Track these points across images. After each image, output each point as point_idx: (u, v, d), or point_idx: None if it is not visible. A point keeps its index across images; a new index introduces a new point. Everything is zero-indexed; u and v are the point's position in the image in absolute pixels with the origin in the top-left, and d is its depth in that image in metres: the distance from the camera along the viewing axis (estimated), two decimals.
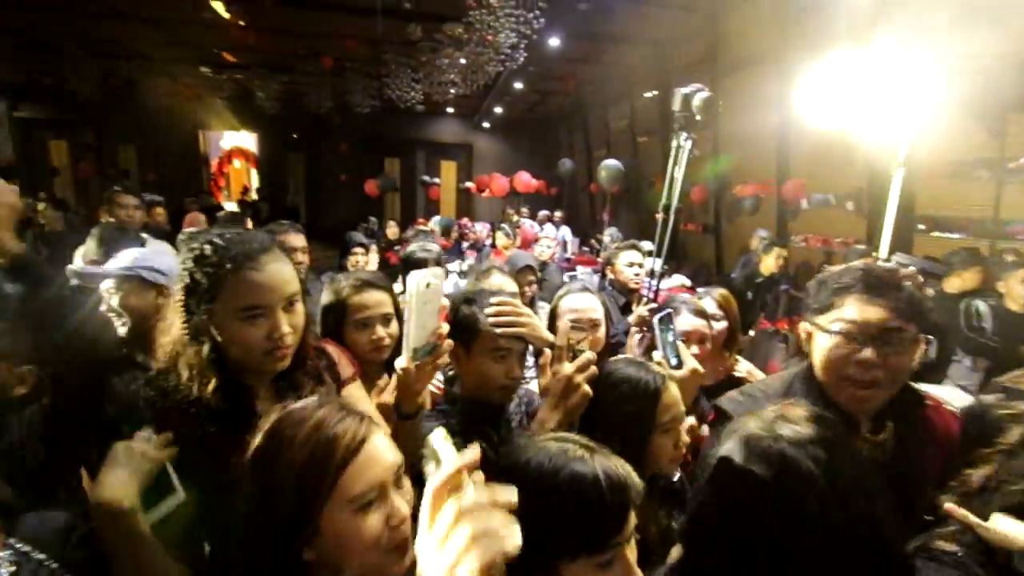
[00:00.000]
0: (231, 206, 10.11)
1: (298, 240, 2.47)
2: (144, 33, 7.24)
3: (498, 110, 10.14)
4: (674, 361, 1.28)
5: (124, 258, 1.35)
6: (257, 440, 0.72)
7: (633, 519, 0.71)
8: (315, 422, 0.70)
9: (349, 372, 1.15)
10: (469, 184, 10.86)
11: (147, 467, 0.84)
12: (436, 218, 6.95)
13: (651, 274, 2.79)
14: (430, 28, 6.11)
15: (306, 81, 8.74)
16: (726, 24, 5.98)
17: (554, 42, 5.69)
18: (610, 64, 7.76)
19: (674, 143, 2.42)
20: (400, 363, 0.94)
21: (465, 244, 6.47)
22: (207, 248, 0.90)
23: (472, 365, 1.17)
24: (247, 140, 12.07)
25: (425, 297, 0.90)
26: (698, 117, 2.39)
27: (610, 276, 2.81)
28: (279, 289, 0.92)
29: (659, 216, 2.67)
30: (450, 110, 11.57)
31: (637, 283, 2.71)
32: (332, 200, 11.52)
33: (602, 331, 1.72)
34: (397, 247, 5.21)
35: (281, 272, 0.93)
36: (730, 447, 0.77)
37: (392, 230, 5.79)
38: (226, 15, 6.08)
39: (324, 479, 0.67)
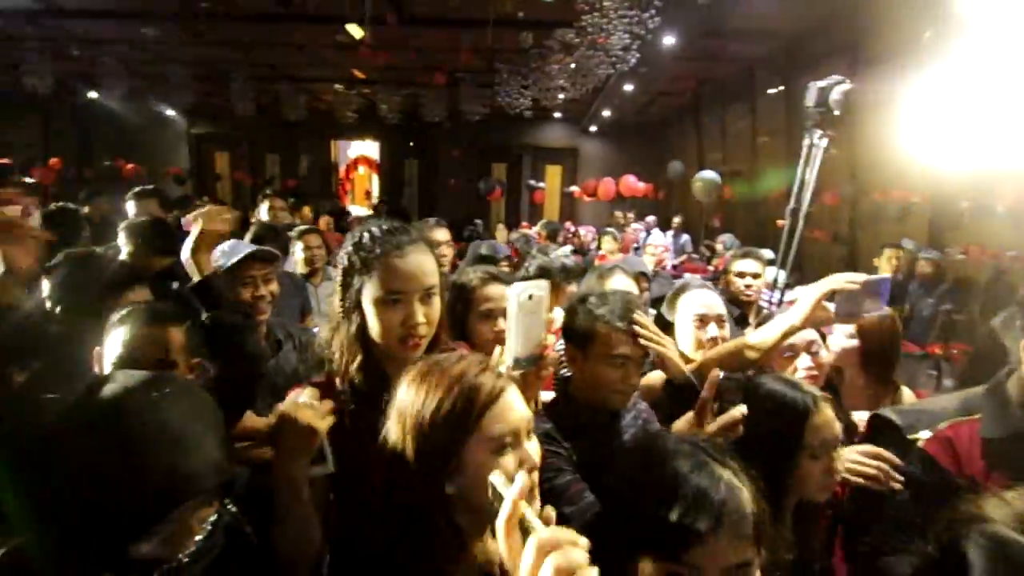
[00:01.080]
0: (356, 209, 11.11)
1: (443, 235, 2.73)
2: (291, 58, 8.21)
3: (606, 113, 10.01)
4: None
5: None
6: (404, 384, 0.79)
7: (726, 549, 0.65)
8: (460, 370, 0.77)
9: None
10: (574, 188, 10.83)
11: (320, 427, 0.89)
12: (543, 221, 7.02)
13: (772, 285, 2.59)
14: (541, 35, 6.21)
15: (424, 93, 9.31)
16: (871, 12, 5.35)
17: (668, 41, 5.48)
18: (729, 61, 7.31)
19: (806, 141, 2.22)
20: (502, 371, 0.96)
21: (570, 248, 6.46)
22: (365, 235, 0.99)
23: (587, 368, 1.15)
24: (371, 149, 13.15)
25: (527, 308, 0.91)
26: (836, 112, 2.17)
27: (725, 285, 2.64)
28: (418, 279, 0.98)
29: (780, 223, 2.47)
30: (557, 115, 11.64)
31: (749, 295, 2.52)
32: (442, 203, 12.15)
33: (728, 329, 1.64)
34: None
35: (423, 264, 0.99)
36: (970, 548, 0.59)
37: (501, 233, 5.94)
38: (358, 37, 6.68)
39: (469, 417, 0.73)
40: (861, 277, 1.24)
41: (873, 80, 5.23)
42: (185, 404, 0.78)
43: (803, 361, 1.48)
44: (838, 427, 1.04)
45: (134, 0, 5.98)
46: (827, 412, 1.02)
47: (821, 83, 2.19)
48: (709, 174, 6.42)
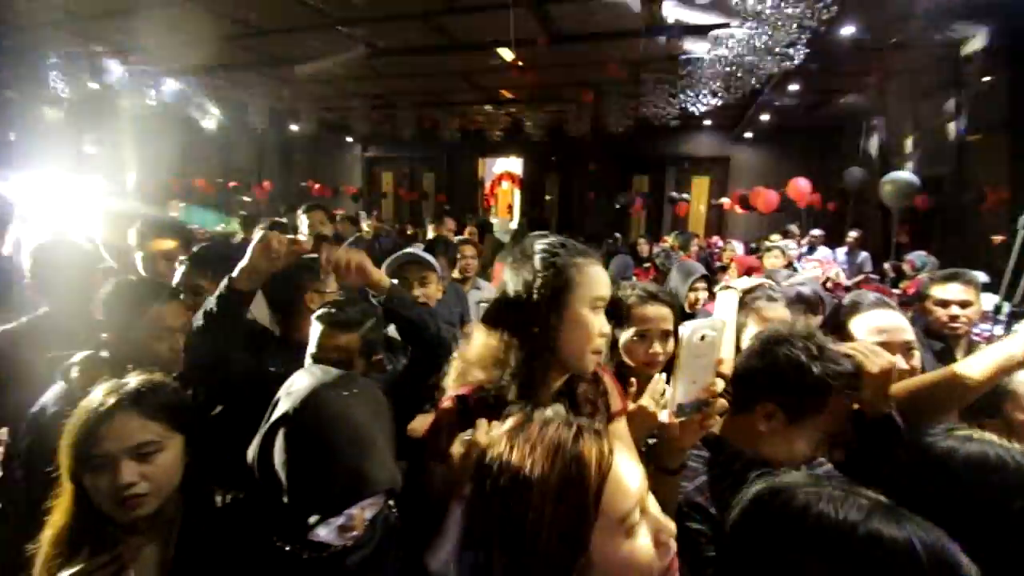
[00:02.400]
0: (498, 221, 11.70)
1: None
2: (449, 83, 8.97)
3: (764, 118, 9.15)
4: None
5: None
6: (484, 472, 0.64)
7: None
8: (556, 440, 0.63)
9: (619, 406, 1.10)
10: (724, 200, 10.06)
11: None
12: (675, 232, 6.65)
13: (991, 316, 2.08)
14: (693, 39, 5.92)
15: (568, 108, 9.46)
16: None
17: (848, 30, 4.83)
18: (928, 47, 6.18)
19: None
20: (663, 418, 0.88)
21: (716, 265, 5.99)
22: (560, 247, 0.98)
23: (792, 433, 0.99)
24: (515, 164, 13.74)
25: (698, 350, 0.83)
26: None
27: (921, 315, 2.19)
28: (609, 290, 0.99)
29: (998, 239, 1.98)
30: (706, 123, 10.97)
31: (955, 328, 2.03)
32: (581, 216, 12.17)
33: (919, 359, 1.32)
34: (646, 264, 5.16)
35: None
36: None
37: (642, 247, 5.76)
38: (509, 59, 7.04)
39: (586, 502, 0.59)
40: None
41: None
42: (369, 405, 0.86)
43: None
44: None
45: (327, 45, 7.04)
46: None
47: None
48: (904, 175, 5.34)
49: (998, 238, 5.45)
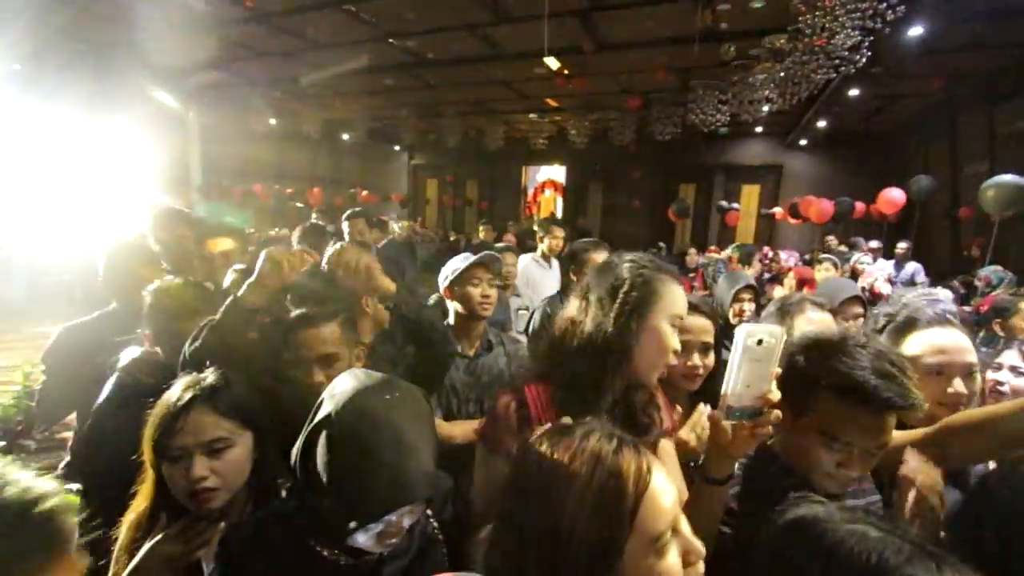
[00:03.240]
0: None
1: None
2: (496, 93, 9.08)
3: (821, 124, 8.77)
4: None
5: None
6: (521, 472, 0.66)
7: None
8: (595, 452, 0.62)
9: (669, 424, 1.12)
10: (776, 209, 9.69)
11: None
12: (735, 244, 6.44)
13: None
14: (746, 45, 5.75)
15: (613, 116, 9.38)
16: None
17: (915, 32, 4.57)
18: (1002, 48, 5.76)
19: None
20: (713, 418, 0.86)
21: (767, 276, 5.77)
22: (643, 260, 1.05)
23: (795, 434, 0.94)
24: (558, 172, 13.73)
25: (755, 354, 0.80)
26: None
27: (999, 333, 2.03)
28: (685, 310, 1.05)
29: None
30: (758, 130, 10.62)
31: None
32: (626, 225, 12.00)
33: (979, 383, 1.21)
34: (691, 274, 5.02)
35: None
36: None
37: (692, 257, 5.61)
38: (555, 68, 7.06)
39: (622, 517, 0.59)
40: None
41: None
42: (411, 411, 0.85)
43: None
44: None
45: (374, 55, 7.28)
46: None
47: None
48: (1010, 178, 4.81)
49: None
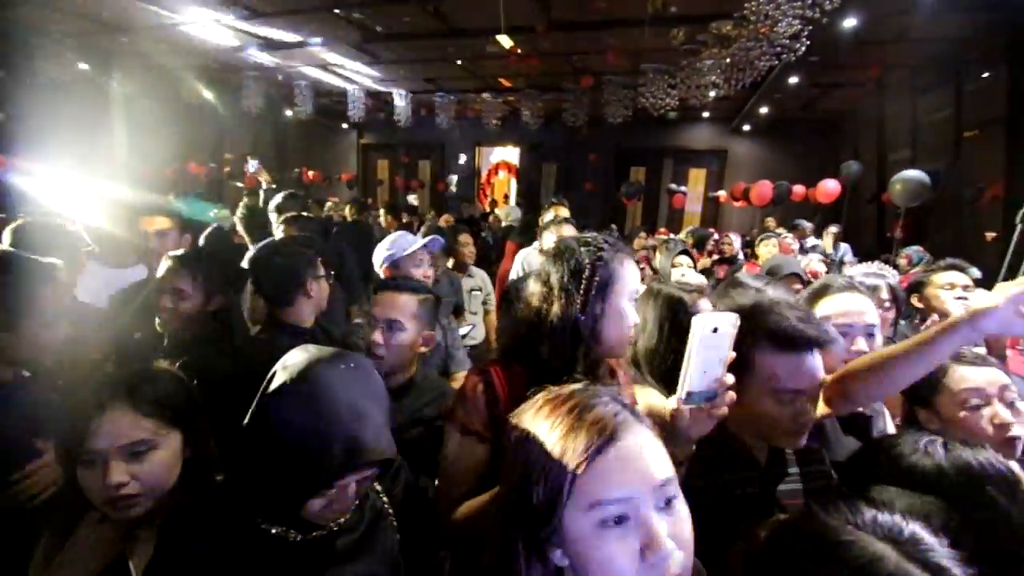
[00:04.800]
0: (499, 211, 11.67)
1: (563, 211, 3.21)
2: (449, 70, 8.87)
3: (763, 110, 9.12)
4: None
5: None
6: (517, 420, 0.68)
7: None
8: (571, 405, 0.63)
9: (629, 402, 1.17)
10: (720, 192, 10.07)
11: None
12: (689, 228, 6.65)
13: None
14: (694, 30, 5.87)
15: (566, 97, 9.40)
16: None
17: (850, 23, 4.81)
18: (926, 42, 6.18)
19: None
20: (671, 403, 0.89)
21: (716, 257, 5.99)
22: (601, 240, 1.09)
23: (748, 409, 1.00)
24: (511, 154, 13.66)
25: (711, 341, 0.84)
26: None
27: (917, 305, 2.21)
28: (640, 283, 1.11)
29: (991, 235, 1.99)
30: (705, 115, 10.94)
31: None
32: (578, 208, 12.14)
33: (879, 342, 1.33)
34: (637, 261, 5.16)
35: None
36: None
37: (640, 241, 5.75)
38: (507, 46, 6.96)
39: (563, 472, 0.57)
40: None
41: None
42: (365, 380, 0.85)
43: (1000, 412, 1.04)
44: None
45: (318, 26, 6.94)
46: None
47: None
48: (915, 173, 5.32)
49: (991, 234, 5.48)
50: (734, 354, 0.87)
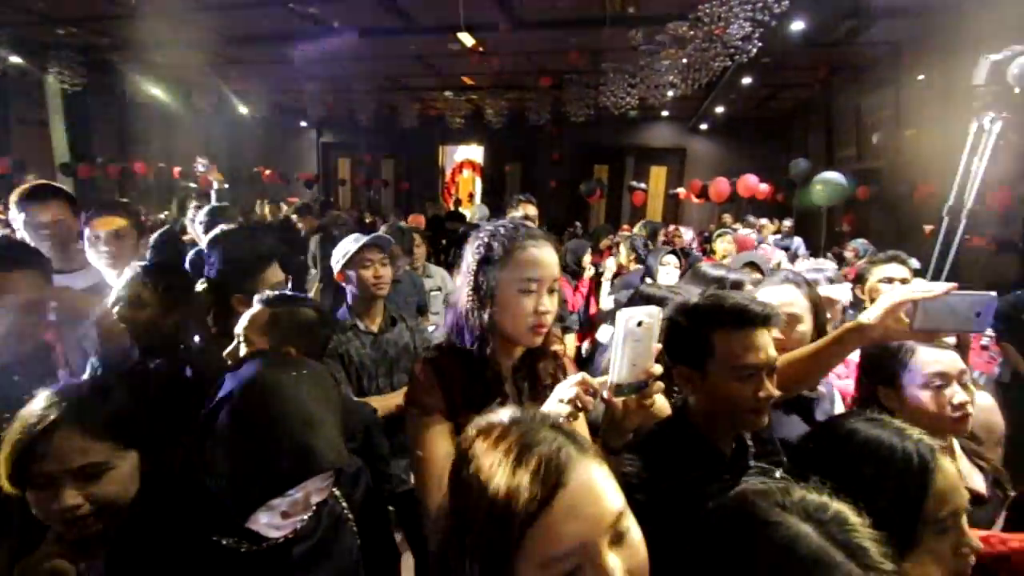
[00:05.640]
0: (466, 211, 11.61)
1: (532, 211, 3.22)
2: (408, 68, 8.75)
3: (719, 110, 9.40)
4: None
5: None
6: (464, 446, 0.61)
7: None
8: (513, 439, 0.56)
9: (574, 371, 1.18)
10: (679, 190, 10.33)
11: None
12: (642, 221, 6.79)
13: None
14: (653, 30, 5.99)
15: (529, 96, 9.43)
16: None
17: (797, 26, 5.01)
18: (869, 44, 6.50)
19: (973, 126, 1.89)
20: (603, 393, 0.91)
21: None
22: (500, 229, 1.07)
23: (709, 391, 1.04)
24: (475, 152, 13.62)
25: (636, 335, 0.87)
26: (1016, 90, 1.81)
27: (860, 296, 2.32)
28: (550, 269, 1.05)
29: (929, 229, 2.12)
30: (664, 113, 11.18)
31: None
32: (543, 205, 12.20)
33: (804, 328, 1.45)
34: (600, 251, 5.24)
35: (552, 256, 1.06)
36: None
37: (605, 241, 5.83)
38: (469, 44, 6.93)
39: (510, 528, 0.51)
40: (941, 286, 1.00)
41: None
42: (318, 387, 0.83)
43: (958, 393, 1.15)
44: (964, 489, 0.78)
45: (272, 21, 6.73)
46: (951, 469, 0.77)
47: (996, 56, 1.84)
48: (834, 176, 5.69)
49: (929, 228, 5.82)
50: (659, 346, 0.90)
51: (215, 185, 4.35)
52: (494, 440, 0.57)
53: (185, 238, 3.66)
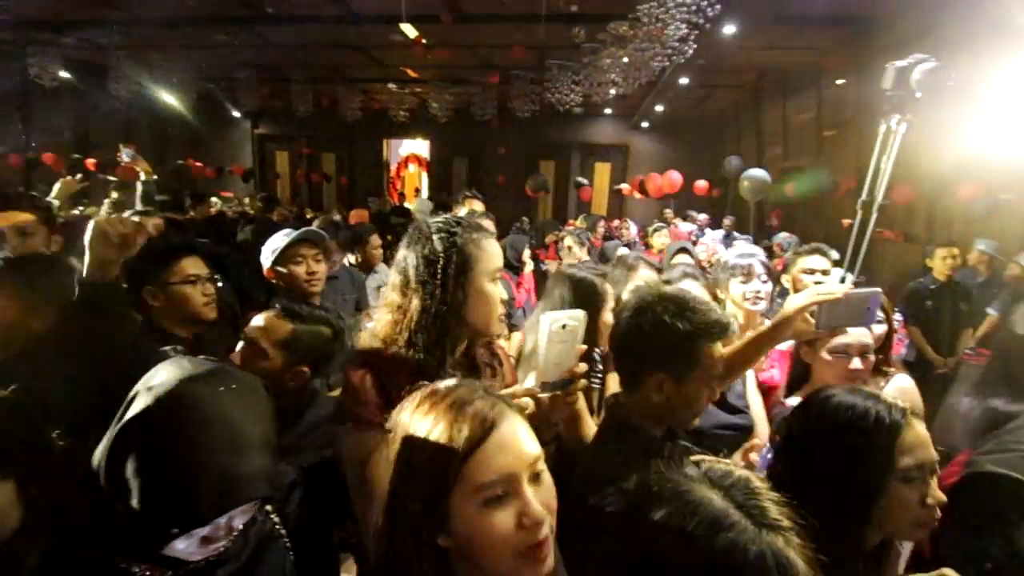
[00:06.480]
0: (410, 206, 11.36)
1: (490, 225, 2.96)
2: (348, 58, 8.47)
3: (659, 108, 9.73)
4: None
5: None
6: (399, 416, 0.70)
7: None
8: (449, 401, 0.67)
9: (511, 379, 1.22)
10: (623, 186, 10.62)
11: None
12: (583, 215, 6.95)
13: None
14: (595, 29, 6.10)
15: (474, 91, 9.37)
16: None
17: (729, 30, 5.25)
18: (793, 50, 6.92)
19: (882, 127, 2.05)
20: (528, 389, 0.94)
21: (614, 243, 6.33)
22: (459, 226, 1.06)
23: (682, 395, 1.07)
24: (421, 147, 13.40)
25: (559, 337, 0.91)
26: (918, 94, 1.99)
27: (787, 286, 2.48)
28: (502, 261, 1.10)
29: (847, 223, 2.30)
30: (608, 111, 11.43)
31: None
32: (490, 201, 12.18)
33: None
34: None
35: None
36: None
37: (550, 236, 5.92)
38: (412, 36, 6.79)
39: (450, 463, 0.63)
40: (839, 288, 1.19)
41: (957, 67, 4.80)
42: (246, 402, 0.77)
43: (855, 364, 1.40)
44: (932, 449, 0.89)
45: (203, 6, 6.32)
46: (919, 428, 0.89)
47: (900, 63, 2.01)
48: (758, 172, 6.10)
49: (847, 221, 6.30)
50: (584, 347, 0.95)
51: (142, 176, 3.97)
52: (434, 401, 0.68)
53: None
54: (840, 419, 0.89)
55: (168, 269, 1.57)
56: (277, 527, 0.91)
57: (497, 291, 1.07)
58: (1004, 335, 1.71)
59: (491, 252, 1.07)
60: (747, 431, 1.51)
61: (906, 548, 1.10)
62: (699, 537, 0.51)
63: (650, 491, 0.59)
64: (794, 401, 1.45)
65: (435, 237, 1.04)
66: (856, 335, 1.41)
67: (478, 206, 3.43)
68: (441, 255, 1.02)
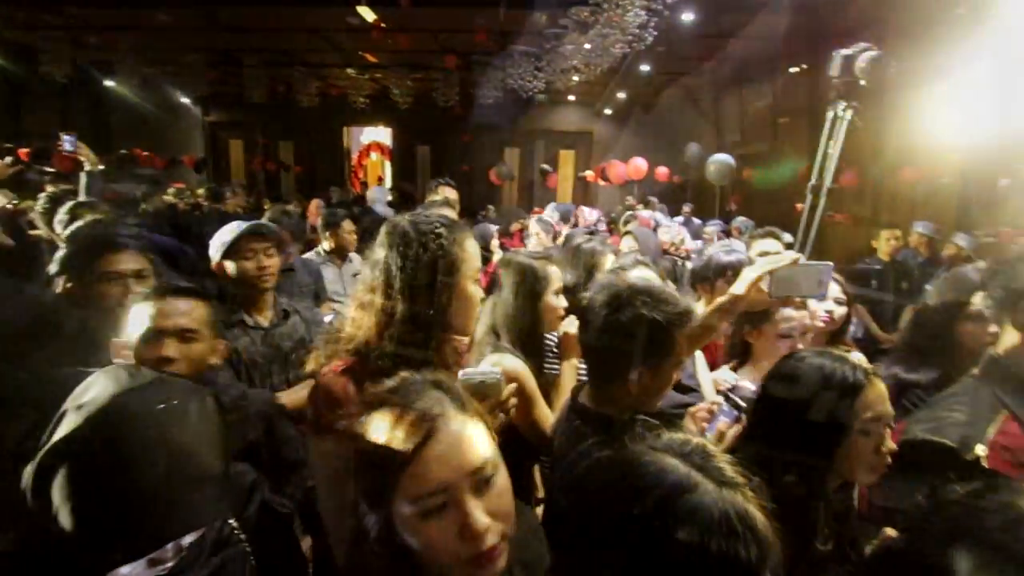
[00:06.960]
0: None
1: (452, 194, 3.31)
2: (303, 42, 8.16)
3: (621, 95, 9.81)
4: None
5: None
6: (351, 412, 0.73)
7: None
8: (392, 403, 0.67)
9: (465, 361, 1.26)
10: (587, 173, 10.69)
11: None
12: (552, 204, 6.96)
13: None
14: (556, 15, 6.07)
15: (436, 77, 9.20)
16: None
17: (686, 17, 5.32)
18: (749, 38, 7.08)
19: (829, 114, 2.13)
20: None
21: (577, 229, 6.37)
22: (439, 224, 1.06)
23: (651, 383, 1.11)
24: (383, 135, 13.10)
25: (477, 391, 0.92)
26: (862, 82, 2.07)
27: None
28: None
29: (800, 207, 2.39)
30: (571, 98, 11.44)
31: None
32: (456, 188, 12.06)
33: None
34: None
35: None
36: None
37: (516, 225, 5.89)
38: (370, 19, 6.60)
39: (388, 472, 0.62)
40: (789, 255, 1.25)
41: (903, 56, 5.01)
42: (192, 416, 0.71)
43: (798, 345, 1.52)
44: (889, 405, 1.00)
45: None
46: (879, 386, 0.99)
47: (846, 51, 2.08)
48: (723, 157, 6.28)
49: (800, 205, 6.55)
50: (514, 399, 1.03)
51: (87, 166, 3.63)
52: (384, 396, 0.68)
53: (33, 233, 3.17)
54: (812, 377, 1.00)
55: (98, 265, 1.47)
56: (236, 532, 0.86)
57: (478, 293, 1.10)
58: (919, 308, 1.84)
59: (473, 253, 1.08)
60: None
61: None
62: (669, 500, 0.53)
63: (622, 463, 0.60)
64: (743, 381, 1.55)
65: (421, 240, 1.02)
66: (800, 318, 1.54)
67: (451, 194, 3.37)
68: (428, 259, 1.01)
